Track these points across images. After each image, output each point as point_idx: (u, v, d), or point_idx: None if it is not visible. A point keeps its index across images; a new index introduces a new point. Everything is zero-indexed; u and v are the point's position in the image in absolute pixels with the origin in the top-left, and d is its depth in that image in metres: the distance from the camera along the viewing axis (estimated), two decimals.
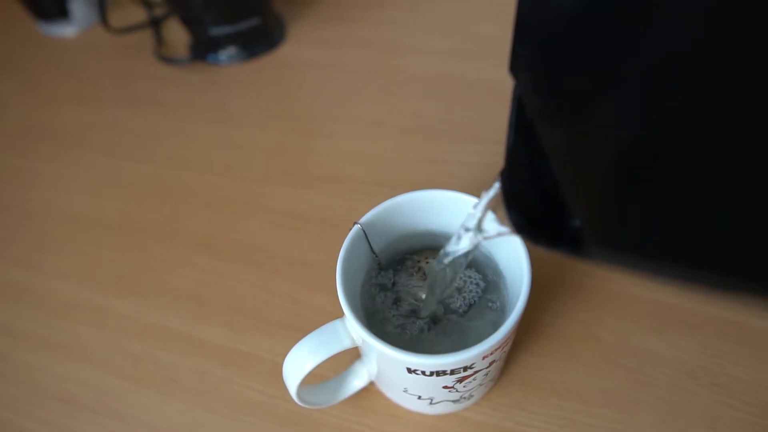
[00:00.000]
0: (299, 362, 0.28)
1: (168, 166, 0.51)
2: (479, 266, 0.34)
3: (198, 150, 0.52)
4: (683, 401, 0.35)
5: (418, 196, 0.31)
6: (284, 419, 0.36)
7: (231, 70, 0.60)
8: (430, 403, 0.32)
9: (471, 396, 0.32)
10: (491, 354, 0.26)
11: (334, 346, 0.28)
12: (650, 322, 0.38)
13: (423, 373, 0.26)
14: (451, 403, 0.32)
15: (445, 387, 0.29)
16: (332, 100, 0.54)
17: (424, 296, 0.30)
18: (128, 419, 0.37)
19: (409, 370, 0.26)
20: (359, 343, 0.28)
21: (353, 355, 0.35)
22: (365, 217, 0.30)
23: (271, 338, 0.39)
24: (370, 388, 0.36)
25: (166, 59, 0.60)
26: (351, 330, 0.28)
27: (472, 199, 0.30)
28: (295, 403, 0.36)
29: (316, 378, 0.35)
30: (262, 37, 0.60)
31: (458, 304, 0.32)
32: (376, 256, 0.31)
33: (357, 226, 0.29)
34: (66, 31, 0.68)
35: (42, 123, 0.58)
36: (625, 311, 0.38)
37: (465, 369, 0.26)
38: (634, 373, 0.36)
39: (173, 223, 0.47)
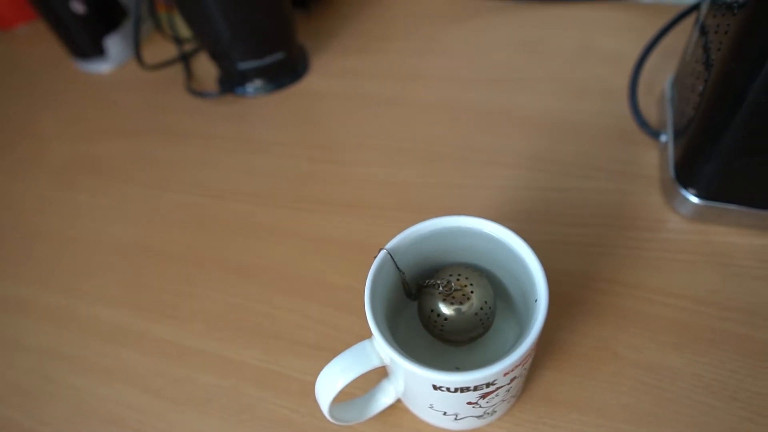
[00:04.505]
0: (331, 381, 0.30)
1: (201, 195, 0.54)
2: (498, 289, 0.35)
3: (229, 179, 0.54)
4: (702, 415, 0.36)
5: (440, 221, 0.33)
6: None
7: (258, 101, 0.62)
8: (455, 419, 0.33)
9: (494, 412, 0.34)
10: (512, 370, 0.28)
11: (364, 366, 0.30)
12: (667, 338, 0.39)
13: (448, 389, 0.28)
14: (475, 419, 0.34)
15: (469, 403, 0.30)
16: (355, 129, 0.57)
17: (448, 312, 0.32)
18: None
19: (435, 387, 0.28)
20: (387, 362, 0.30)
21: (381, 373, 0.37)
22: (392, 243, 0.32)
23: (302, 359, 0.41)
24: (397, 405, 0.38)
25: (196, 93, 0.63)
26: (379, 349, 0.30)
27: (491, 224, 0.32)
28: (326, 421, 0.38)
29: (346, 396, 0.37)
30: (287, 69, 0.63)
31: (479, 332, 0.33)
32: (402, 273, 0.32)
33: (384, 251, 0.31)
34: (102, 67, 0.72)
35: (82, 156, 0.61)
36: (642, 328, 0.40)
37: (488, 385, 0.28)
38: (653, 388, 0.37)
39: (208, 250, 0.49)
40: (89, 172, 0.59)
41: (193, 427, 0.39)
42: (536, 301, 0.29)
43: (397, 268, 0.32)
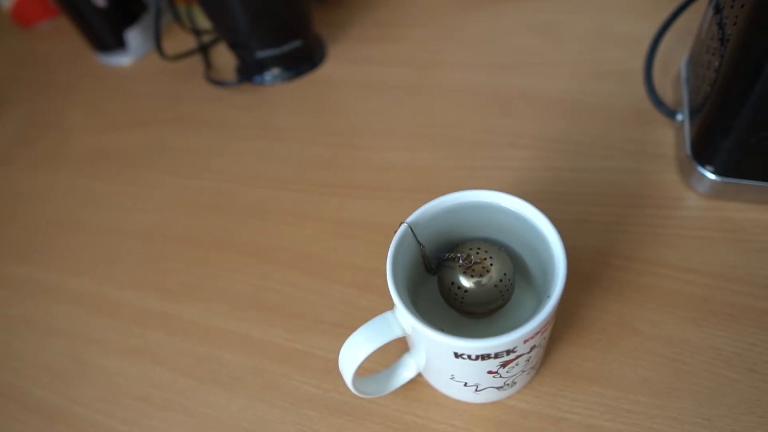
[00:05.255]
0: (354, 351, 0.31)
1: (222, 181, 0.55)
2: (517, 264, 0.36)
3: (249, 165, 0.55)
4: (722, 387, 0.36)
5: (460, 195, 0.33)
6: (338, 410, 0.38)
7: (276, 89, 0.63)
8: (476, 390, 0.34)
9: (514, 383, 0.34)
10: (532, 338, 0.28)
11: (386, 335, 0.30)
12: (686, 313, 0.39)
13: (469, 357, 0.29)
14: (495, 390, 0.34)
15: (490, 372, 0.31)
16: (372, 115, 0.57)
17: (468, 285, 0.33)
18: (196, 415, 0.40)
19: (456, 355, 0.29)
20: (409, 331, 0.30)
21: (403, 348, 0.38)
22: (412, 216, 0.33)
23: (324, 337, 0.42)
24: (418, 380, 0.39)
25: (216, 82, 0.64)
26: (401, 319, 0.30)
27: (510, 197, 0.32)
28: (349, 396, 0.39)
29: (368, 372, 0.38)
30: (304, 57, 0.64)
31: (499, 303, 0.34)
32: (423, 247, 0.33)
33: (404, 225, 0.32)
34: (123, 60, 0.73)
35: (105, 147, 0.62)
36: (661, 304, 0.40)
37: (508, 353, 0.29)
38: (673, 362, 0.38)
39: (230, 234, 0.50)
40: (112, 161, 0.60)
41: (219, 404, 0.40)
42: (553, 272, 0.29)
43: (418, 241, 0.33)
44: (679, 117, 0.48)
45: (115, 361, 0.44)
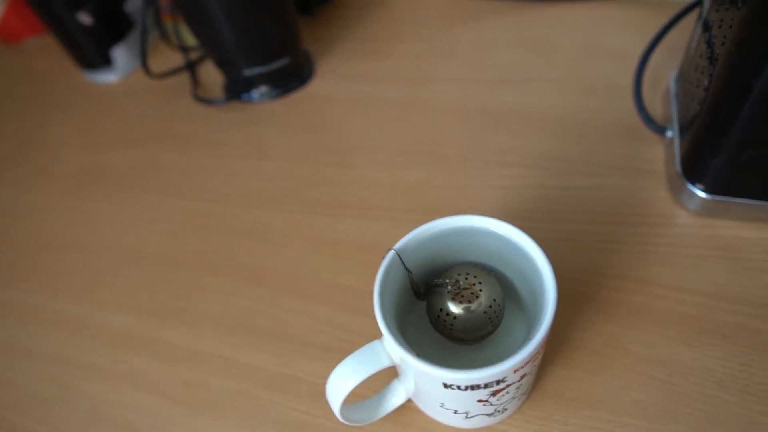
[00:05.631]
0: (342, 382, 0.30)
1: (211, 201, 0.54)
2: (507, 288, 0.35)
3: (237, 184, 0.55)
4: (715, 410, 0.36)
5: (449, 220, 0.33)
6: None
7: (264, 107, 0.63)
8: (466, 417, 0.33)
9: (505, 409, 0.34)
10: (522, 367, 0.28)
11: (374, 366, 0.30)
12: (678, 333, 0.39)
13: (458, 387, 0.28)
14: (485, 417, 0.34)
15: (480, 401, 0.30)
16: (362, 132, 0.57)
17: (456, 311, 0.32)
18: None
19: (445, 386, 0.28)
20: (397, 361, 0.30)
21: (391, 374, 0.37)
22: (400, 243, 0.32)
23: (313, 362, 0.41)
24: (408, 405, 0.38)
25: (203, 100, 0.63)
26: (389, 349, 0.30)
27: (499, 223, 0.32)
28: (338, 423, 0.38)
29: (357, 397, 0.37)
30: (292, 74, 0.63)
31: (489, 330, 0.33)
32: (411, 273, 0.33)
33: (392, 252, 0.32)
34: (109, 78, 0.72)
35: (92, 165, 0.61)
36: (652, 324, 0.40)
37: (498, 383, 0.28)
38: (665, 383, 0.37)
39: (218, 255, 0.49)
40: (99, 181, 0.59)
41: (203, 430, 0.40)
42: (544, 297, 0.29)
43: (406, 268, 0.32)
44: (669, 134, 0.48)
45: (98, 387, 0.43)
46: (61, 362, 0.45)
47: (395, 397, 0.36)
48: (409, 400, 0.38)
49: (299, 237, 0.49)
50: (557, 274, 0.42)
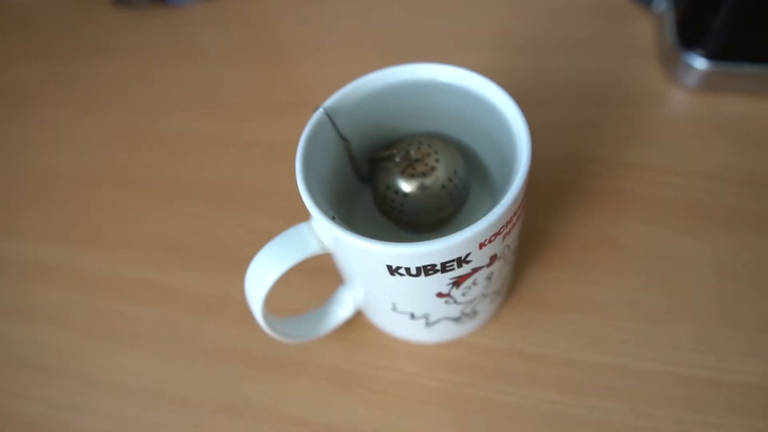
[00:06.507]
0: (259, 277, 0.23)
1: (130, 112, 0.46)
2: (472, 163, 0.28)
3: (162, 92, 0.47)
4: (727, 305, 0.30)
5: (390, 72, 0.26)
6: (262, 363, 0.31)
7: (195, 10, 0.54)
8: (426, 324, 0.27)
9: (474, 313, 0.27)
10: (489, 241, 0.21)
11: (300, 252, 0.23)
12: (679, 222, 0.33)
13: (408, 271, 0.21)
14: (451, 324, 0.27)
15: (440, 295, 0.24)
16: (304, 29, 0.49)
17: (408, 189, 0.25)
18: (97, 379, 0.33)
19: (391, 270, 0.21)
20: (330, 246, 0.23)
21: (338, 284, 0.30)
22: (330, 101, 0.25)
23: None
24: (359, 322, 0.31)
25: (122, 1, 0.55)
26: (318, 230, 0.23)
27: (450, 69, 0.25)
28: (276, 346, 0.31)
29: (297, 313, 0.30)
30: None
31: (450, 210, 0.26)
32: (346, 141, 0.25)
33: (320, 110, 0.24)
34: None
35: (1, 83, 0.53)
36: (649, 213, 0.33)
37: (460, 263, 0.21)
38: (667, 280, 0.31)
39: (140, 170, 0.42)
40: (7, 98, 0.51)
41: (122, 366, 0.33)
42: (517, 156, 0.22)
43: (340, 134, 0.25)
44: (658, 5, 0.41)
45: (2, 322, 0.36)
46: None
47: (342, 309, 0.30)
48: (360, 316, 0.31)
49: (232, 144, 0.42)
50: (538, 164, 0.36)
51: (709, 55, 0.36)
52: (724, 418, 0.27)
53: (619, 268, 0.32)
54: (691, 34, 0.36)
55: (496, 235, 0.21)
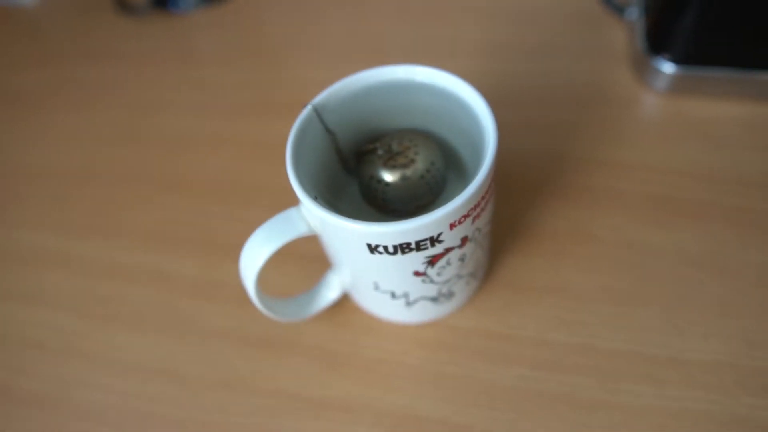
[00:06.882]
0: (253, 256, 0.26)
1: (131, 113, 0.48)
2: (449, 157, 0.31)
3: (162, 94, 0.49)
4: (691, 291, 0.32)
5: (371, 73, 0.28)
6: (255, 343, 0.33)
7: (192, 17, 0.57)
8: (407, 304, 0.29)
9: (451, 294, 0.30)
10: (460, 222, 0.23)
11: (289, 233, 0.25)
12: (648, 215, 0.35)
13: (386, 249, 0.24)
14: (430, 303, 0.29)
15: (417, 273, 0.26)
16: (298, 34, 0.52)
17: (390, 179, 0.27)
18: (98, 358, 0.35)
19: (371, 249, 0.24)
20: (317, 228, 0.25)
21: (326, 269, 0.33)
22: (318, 98, 0.27)
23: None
24: (346, 305, 0.34)
25: (125, 7, 0.57)
26: (306, 214, 0.25)
27: (424, 69, 0.27)
28: (268, 327, 0.34)
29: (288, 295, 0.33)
30: None
31: (428, 198, 0.29)
32: (333, 134, 0.28)
33: (308, 107, 0.27)
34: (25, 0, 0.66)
35: (4, 87, 0.55)
36: (620, 206, 0.36)
37: (433, 242, 0.24)
38: (636, 267, 0.33)
39: (139, 166, 0.44)
40: (11, 103, 0.53)
41: (123, 345, 0.35)
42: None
43: (327, 129, 0.28)
44: (630, 13, 0.43)
45: (5, 306, 0.38)
46: None
47: (329, 291, 0.32)
48: (347, 301, 0.33)
49: (228, 142, 0.44)
50: (514, 159, 0.38)
51: (677, 60, 0.38)
52: (683, 391, 0.29)
53: (591, 257, 0.34)
54: (659, 40, 0.39)
55: (465, 217, 0.24)
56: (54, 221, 0.42)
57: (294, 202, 0.26)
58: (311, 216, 0.25)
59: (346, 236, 0.24)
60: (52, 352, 0.36)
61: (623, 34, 0.44)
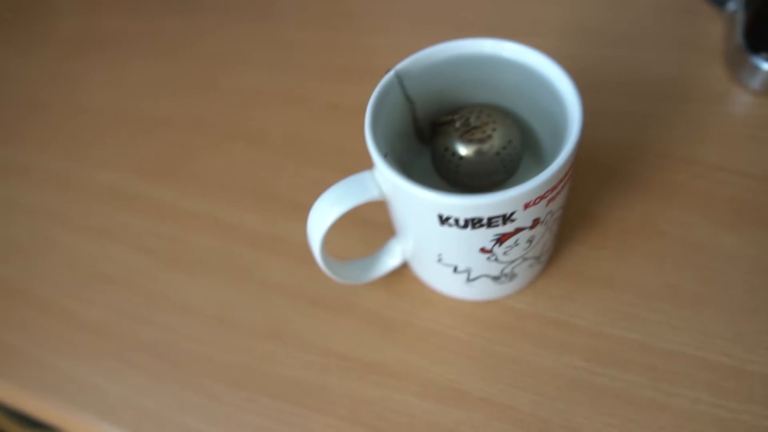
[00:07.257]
0: (322, 213, 0.26)
1: (211, 65, 0.49)
2: (526, 136, 0.30)
3: (241, 48, 0.50)
4: (758, 300, 0.31)
5: (457, 44, 0.28)
6: (313, 301, 0.34)
7: None
8: (468, 280, 0.29)
9: (513, 275, 0.29)
10: (535, 203, 0.23)
11: (361, 195, 0.25)
12: (723, 216, 0.34)
13: (456, 222, 0.23)
14: (490, 282, 0.29)
15: (483, 250, 0.26)
16: (381, 1, 0.51)
17: (464, 152, 0.27)
18: (156, 296, 0.36)
19: (442, 220, 0.24)
20: (389, 194, 0.25)
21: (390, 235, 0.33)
22: (401, 64, 0.27)
23: (302, 222, 0.37)
24: (405, 274, 0.34)
25: None
26: (379, 178, 0.25)
27: (513, 45, 0.27)
28: (326, 286, 0.34)
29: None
30: None
31: (501, 176, 0.28)
32: (413, 103, 0.28)
33: (391, 73, 0.27)
34: None
35: (92, 31, 0.57)
36: (694, 205, 0.34)
37: (504, 220, 0.23)
38: (704, 269, 0.32)
39: (213, 116, 0.45)
40: (97, 46, 0.55)
41: (182, 287, 0.36)
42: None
43: (407, 97, 0.27)
44: (731, 5, 0.41)
45: (78, 238, 0.40)
46: (46, 215, 0.43)
47: (391, 258, 0.32)
48: (407, 270, 0.33)
49: (300, 100, 0.45)
50: (590, 147, 0.37)
51: None
52: (742, 404, 0.28)
53: (658, 253, 0.33)
54: (760, 37, 0.37)
55: (540, 198, 0.23)
56: (129, 163, 0.44)
57: (362, 167, 0.26)
58: (384, 181, 0.25)
59: (417, 204, 0.24)
60: (119, 286, 0.37)
61: (720, 27, 0.42)
